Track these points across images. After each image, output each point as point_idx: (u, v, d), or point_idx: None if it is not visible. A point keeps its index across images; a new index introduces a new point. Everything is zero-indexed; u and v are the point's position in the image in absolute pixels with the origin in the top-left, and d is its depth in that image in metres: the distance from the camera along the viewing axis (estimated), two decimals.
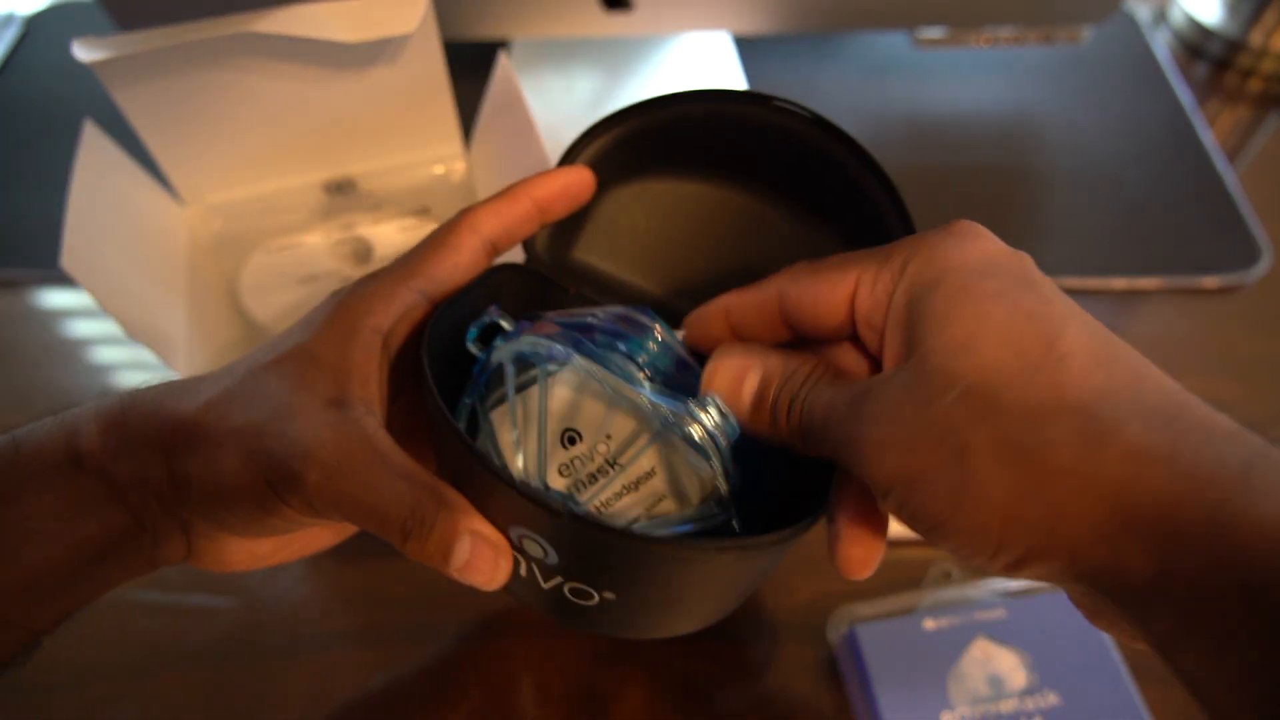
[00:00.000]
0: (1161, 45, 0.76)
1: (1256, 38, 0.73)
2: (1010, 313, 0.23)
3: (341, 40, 0.43)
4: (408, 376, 0.30)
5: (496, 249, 0.31)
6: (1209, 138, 0.68)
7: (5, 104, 0.73)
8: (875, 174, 0.33)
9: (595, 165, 0.33)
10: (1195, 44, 0.76)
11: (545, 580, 0.28)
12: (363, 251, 0.50)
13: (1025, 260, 0.25)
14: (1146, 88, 0.72)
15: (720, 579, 0.29)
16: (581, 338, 0.29)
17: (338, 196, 0.51)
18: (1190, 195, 0.65)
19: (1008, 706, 0.41)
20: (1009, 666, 0.42)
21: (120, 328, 0.38)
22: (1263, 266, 0.60)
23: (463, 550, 0.25)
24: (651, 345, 0.30)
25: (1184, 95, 0.71)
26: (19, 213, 0.65)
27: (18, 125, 0.71)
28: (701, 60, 0.72)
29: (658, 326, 0.30)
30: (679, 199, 0.36)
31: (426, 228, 0.50)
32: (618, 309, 0.30)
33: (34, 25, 0.79)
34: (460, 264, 0.30)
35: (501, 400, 0.29)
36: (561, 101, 0.69)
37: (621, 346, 0.29)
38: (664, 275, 0.36)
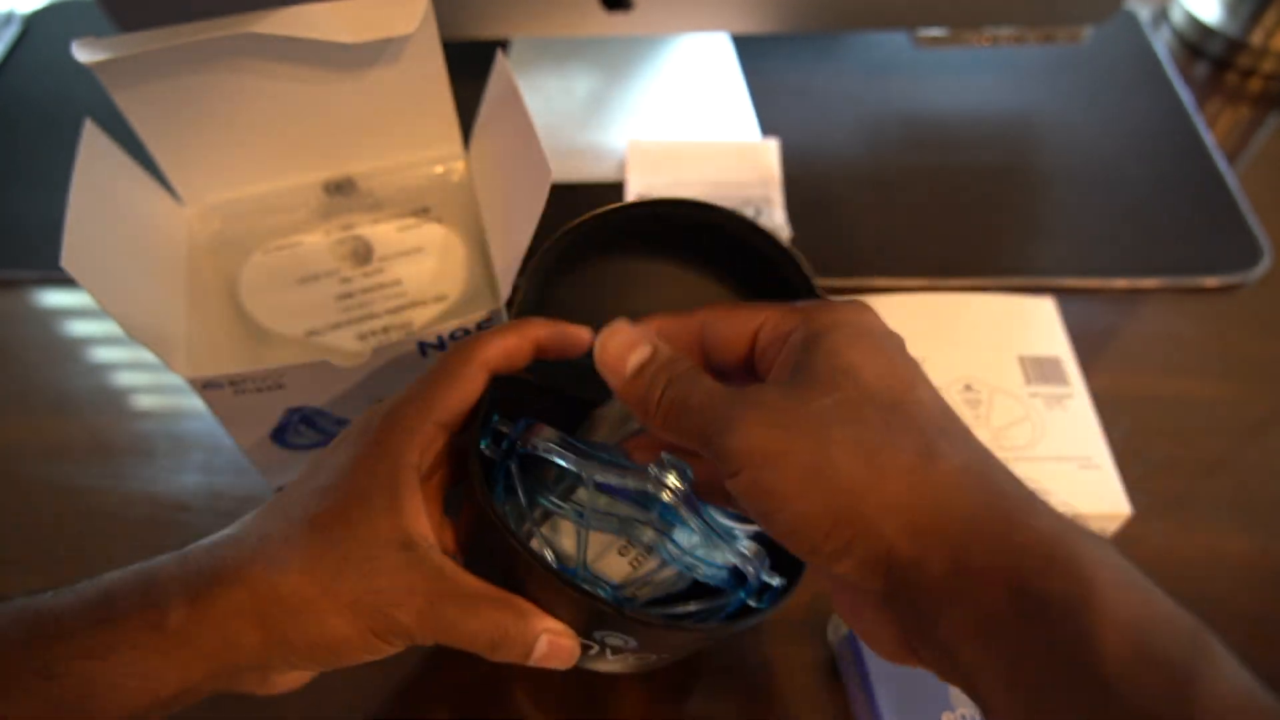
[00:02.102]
0: (1162, 45, 0.76)
1: (1257, 37, 0.73)
2: (887, 361, 0.29)
3: (341, 41, 0.43)
4: (432, 498, 0.34)
5: (494, 374, 0.35)
6: (1209, 138, 0.68)
7: (5, 103, 0.73)
8: (768, 240, 0.39)
9: (545, 262, 0.39)
10: (1196, 43, 0.76)
11: (613, 655, 0.35)
12: (362, 251, 0.49)
13: (899, 340, 0.31)
14: (1147, 87, 0.72)
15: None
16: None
17: (337, 196, 0.51)
18: (1190, 195, 0.65)
19: None
20: None
21: (120, 328, 0.38)
22: (1263, 266, 0.60)
23: (541, 647, 0.31)
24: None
25: (1184, 95, 0.71)
26: (18, 213, 0.65)
27: (17, 125, 0.71)
28: (701, 60, 0.72)
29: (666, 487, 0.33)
30: (623, 277, 0.42)
31: (426, 228, 0.50)
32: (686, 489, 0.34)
33: (34, 24, 0.79)
34: (470, 394, 0.34)
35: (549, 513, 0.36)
36: (560, 101, 0.69)
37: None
38: None
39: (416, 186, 0.51)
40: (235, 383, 0.41)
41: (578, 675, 0.44)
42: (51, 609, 0.29)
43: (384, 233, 0.50)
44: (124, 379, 0.57)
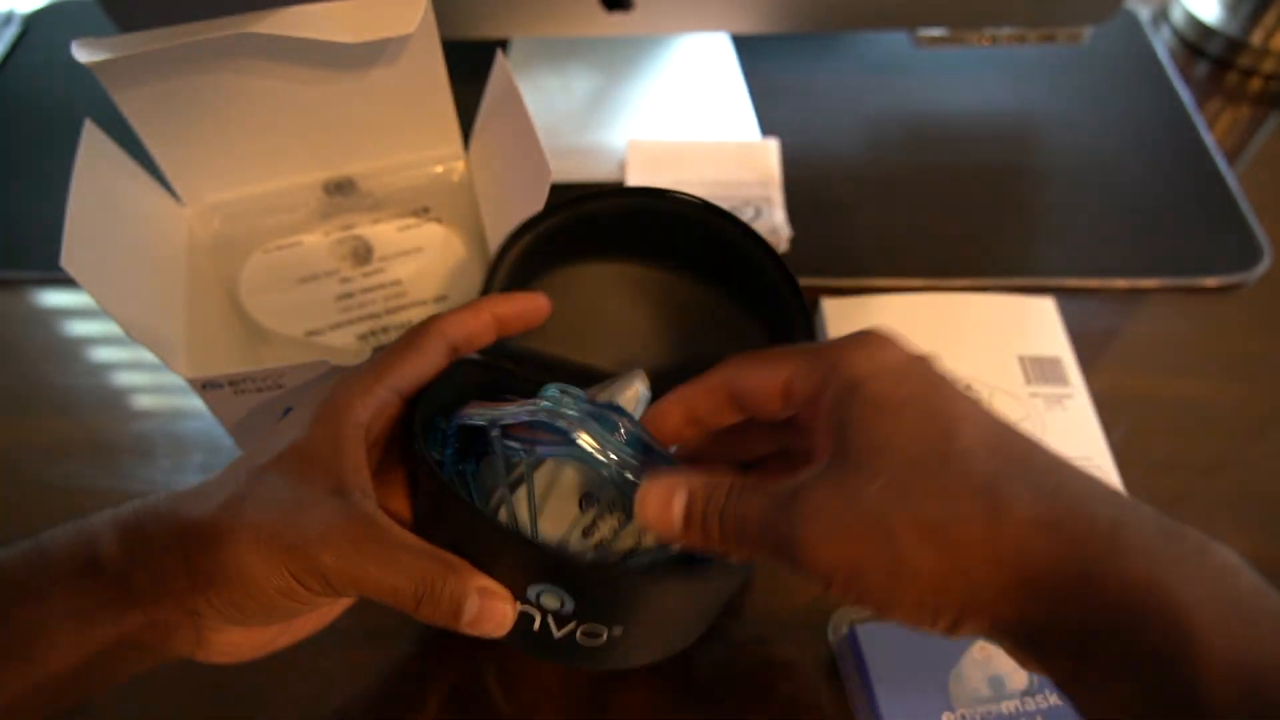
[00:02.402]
0: (1162, 45, 0.76)
1: (1257, 37, 0.73)
2: (919, 415, 0.27)
3: (341, 41, 0.43)
4: (382, 460, 0.35)
5: (457, 351, 0.36)
6: (1209, 138, 0.68)
7: (5, 103, 0.73)
8: (755, 240, 0.39)
9: (522, 263, 0.40)
10: (1196, 43, 0.76)
11: (559, 628, 0.32)
12: (362, 251, 0.50)
13: (926, 363, 0.29)
14: (1147, 87, 0.72)
15: (706, 601, 0.35)
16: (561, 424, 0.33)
17: (337, 196, 0.51)
18: (1190, 195, 0.65)
19: (1008, 707, 0.41)
20: (1009, 667, 0.42)
21: (120, 328, 0.38)
22: (1263, 266, 0.60)
23: (472, 606, 0.30)
24: (619, 433, 0.34)
25: (1184, 95, 0.71)
26: (18, 213, 0.65)
27: (17, 125, 0.71)
28: (701, 60, 0.72)
29: (623, 420, 0.34)
30: (599, 281, 0.43)
31: (426, 228, 0.50)
32: (588, 406, 0.34)
33: (33, 24, 0.79)
34: (427, 365, 0.35)
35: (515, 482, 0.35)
36: (560, 101, 0.69)
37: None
38: (594, 347, 0.43)
39: (416, 186, 0.51)
40: (235, 383, 0.41)
41: (576, 677, 0.44)
42: None
43: (384, 233, 0.50)
44: (124, 379, 0.57)
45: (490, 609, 0.30)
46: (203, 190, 0.49)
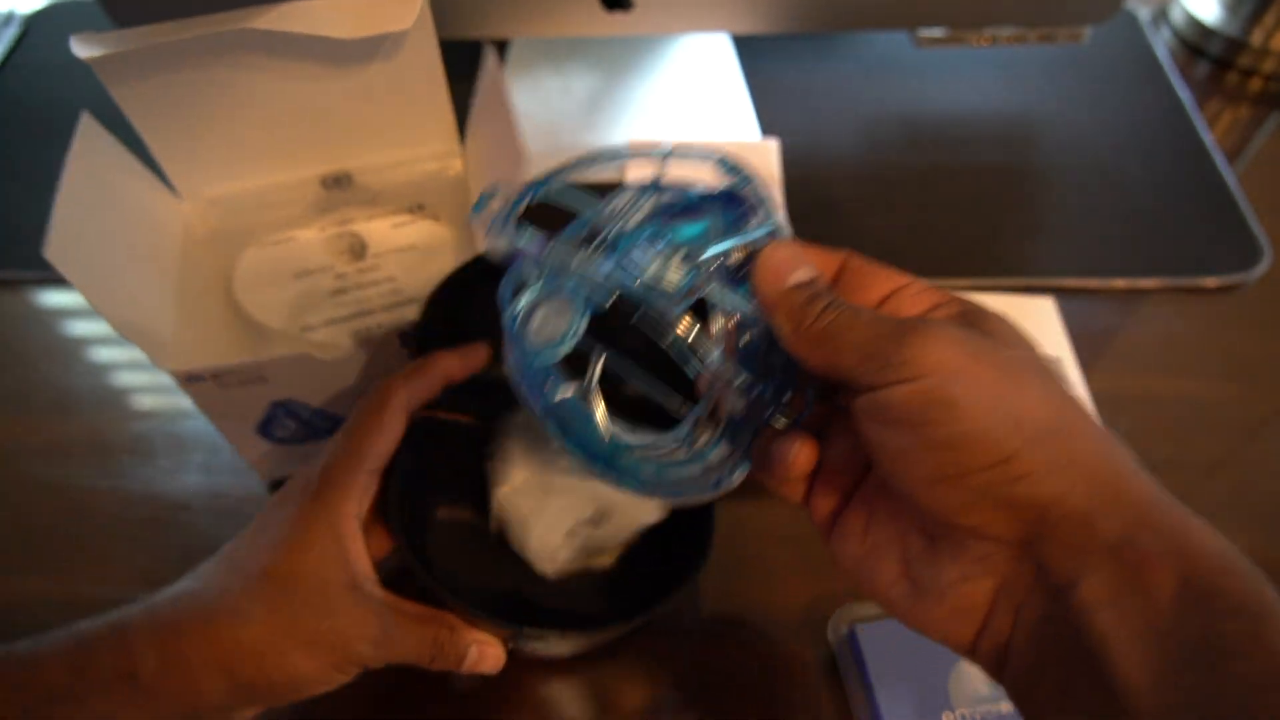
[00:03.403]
0: (1162, 45, 0.76)
1: (1257, 37, 0.73)
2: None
3: (338, 37, 0.43)
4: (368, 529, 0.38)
5: (411, 413, 0.38)
6: (1209, 138, 0.68)
7: (4, 104, 0.73)
8: None
9: (446, 293, 0.43)
10: (1195, 43, 0.76)
11: (545, 646, 0.42)
12: (358, 247, 0.50)
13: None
14: (1147, 87, 0.72)
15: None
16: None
17: (334, 191, 0.51)
18: (1190, 195, 0.65)
19: (1008, 707, 0.41)
20: None
21: (105, 321, 0.38)
22: (1263, 266, 0.60)
23: (472, 656, 0.37)
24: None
25: (1184, 95, 0.71)
26: (18, 212, 0.65)
27: (16, 124, 0.71)
28: (701, 60, 0.72)
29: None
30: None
31: (421, 224, 0.50)
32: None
33: (33, 24, 0.79)
34: (393, 441, 0.38)
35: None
36: (560, 101, 0.69)
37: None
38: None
39: (412, 183, 0.51)
40: (217, 375, 0.42)
41: (576, 679, 0.44)
42: (30, 657, 0.32)
43: (379, 229, 0.50)
44: (124, 379, 0.57)
45: (485, 655, 0.38)
46: (200, 184, 0.49)
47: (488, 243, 0.32)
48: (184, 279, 0.47)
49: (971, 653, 0.28)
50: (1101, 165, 0.67)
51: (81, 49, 0.41)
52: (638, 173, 0.63)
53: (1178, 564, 0.24)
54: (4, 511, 0.51)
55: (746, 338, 0.31)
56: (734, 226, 0.31)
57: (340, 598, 0.34)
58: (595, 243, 0.31)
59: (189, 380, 0.41)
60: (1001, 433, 0.25)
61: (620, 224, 0.31)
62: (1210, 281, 0.60)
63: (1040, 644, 0.26)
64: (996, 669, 0.28)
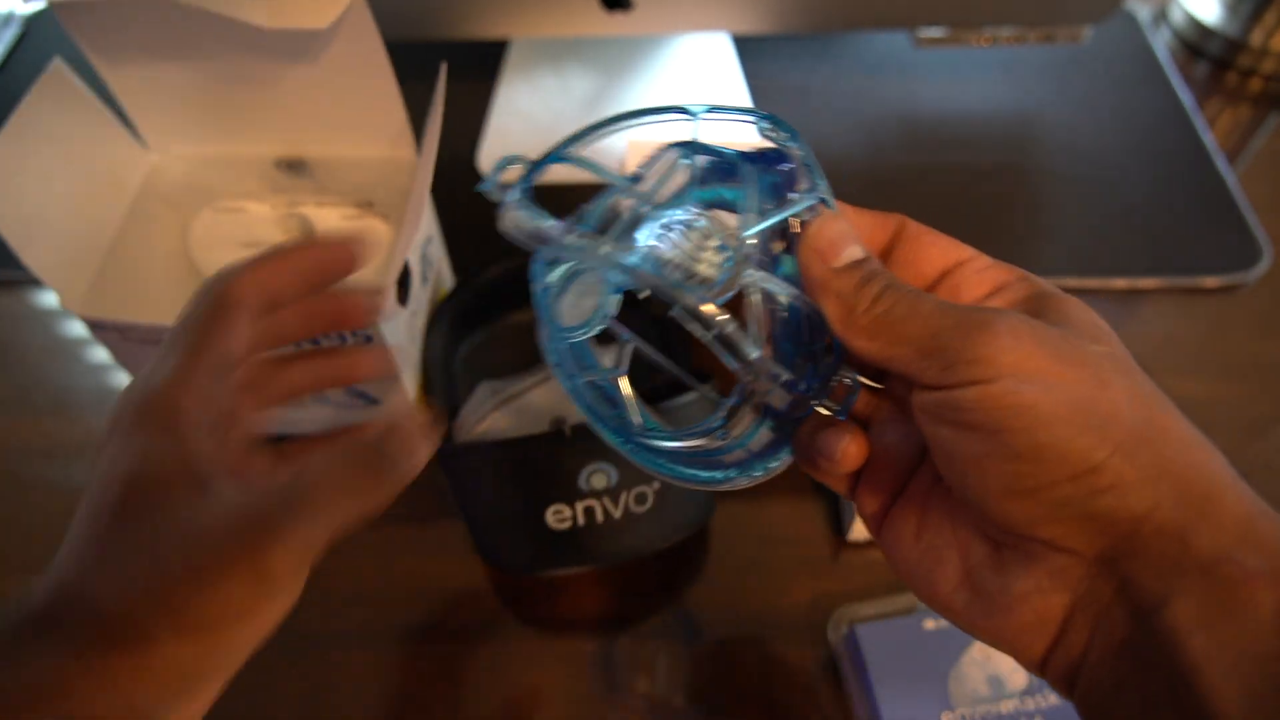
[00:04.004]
0: (1162, 45, 0.76)
1: (1257, 37, 0.73)
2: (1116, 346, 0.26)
3: (258, 25, 0.42)
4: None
5: (264, 313, 0.31)
6: (1209, 138, 0.68)
7: (5, 104, 0.73)
8: None
9: (463, 314, 0.47)
10: (1195, 44, 0.76)
11: (615, 505, 0.42)
12: (307, 230, 0.50)
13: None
14: (1147, 88, 0.72)
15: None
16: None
17: (290, 174, 0.51)
18: (1190, 195, 0.65)
19: (1008, 707, 0.41)
20: (1009, 667, 0.42)
21: (16, 253, 0.39)
22: (1263, 266, 0.60)
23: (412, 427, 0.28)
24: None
25: (1184, 95, 0.71)
26: None
27: None
28: (701, 60, 0.72)
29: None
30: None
31: (368, 221, 0.51)
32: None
33: (33, 25, 0.79)
34: (237, 344, 0.30)
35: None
36: (559, 101, 0.69)
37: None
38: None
39: (364, 181, 0.52)
40: (121, 329, 0.43)
41: (575, 673, 0.44)
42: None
43: (328, 217, 0.51)
44: (124, 379, 0.57)
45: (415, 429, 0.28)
46: (168, 140, 0.50)
47: (504, 220, 0.29)
48: (132, 228, 0.48)
49: (1041, 669, 0.26)
50: (1101, 165, 0.67)
51: None
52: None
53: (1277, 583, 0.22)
54: (4, 511, 0.51)
55: (785, 314, 0.29)
56: (776, 191, 0.29)
57: (185, 514, 0.26)
58: (622, 223, 0.29)
59: (95, 328, 0.43)
60: (1086, 442, 0.23)
61: (650, 199, 0.29)
62: (1210, 281, 0.60)
63: (1119, 666, 0.24)
64: (1067, 688, 0.25)
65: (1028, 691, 0.41)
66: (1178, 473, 0.23)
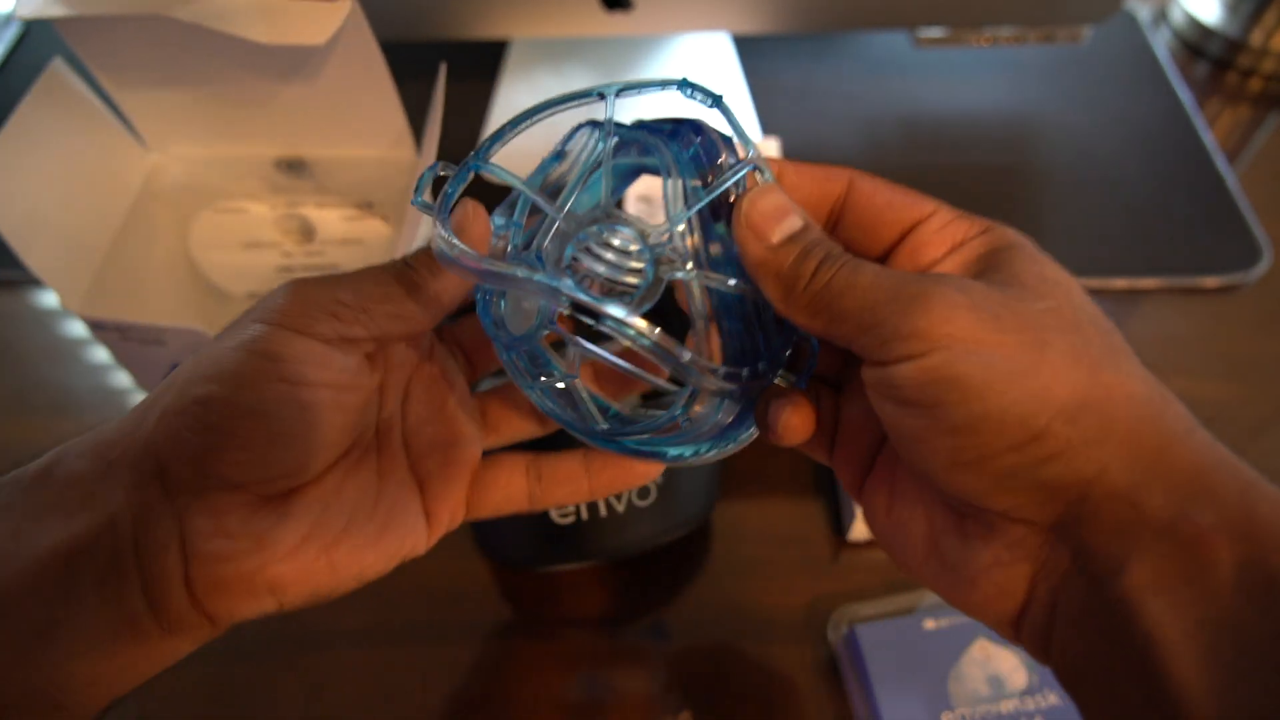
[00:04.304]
0: (1162, 45, 0.76)
1: (1257, 37, 0.73)
2: (1083, 290, 0.26)
3: (257, 41, 0.42)
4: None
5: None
6: (1209, 138, 0.68)
7: (4, 104, 0.73)
8: None
9: None
10: (1195, 44, 0.76)
11: (618, 501, 0.41)
12: (307, 230, 0.51)
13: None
14: (1147, 88, 0.72)
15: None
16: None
17: (290, 175, 0.51)
18: (1190, 195, 0.65)
19: (1008, 707, 0.41)
20: (1009, 667, 0.42)
21: (16, 254, 0.39)
22: (1263, 266, 0.60)
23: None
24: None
25: (1184, 95, 0.71)
26: None
27: None
28: (701, 60, 0.72)
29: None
30: None
31: (368, 222, 0.51)
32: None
33: (34, 25, 0.79)
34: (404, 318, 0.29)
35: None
36: None
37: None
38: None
39: (364, 181, 0.52)
40: (121, 329, 0.43)
41: (574, 674, 0.44)
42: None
43: (328, 218, 0.51)
44: (124, 379, 0.57)
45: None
46: (168, 141, 0.50)
47: (432, 242, 0.27)
48: (132, 228, 0.48)
49: (1016, 639, 0.25)
50: (1101, 165, 0.67)
51: (26, 8, 0.41)
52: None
53: (1239, 542, 0.21)
54: None
55: (731, 287, 0.27)
56: (698, 163, 0.27)
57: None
58: (538, 235, 0.28)
59: (95, 328, 0.43)
60: (1025, 409, 0.22)
61: (564, 200, 0.28)
62: (1210, 281, 0.60)
63: (1084, 634, 0.23)
64: (1043, 656, 0.25)
65: (1028, 691, 0.41)
66: (1125, 431, 0.22)
